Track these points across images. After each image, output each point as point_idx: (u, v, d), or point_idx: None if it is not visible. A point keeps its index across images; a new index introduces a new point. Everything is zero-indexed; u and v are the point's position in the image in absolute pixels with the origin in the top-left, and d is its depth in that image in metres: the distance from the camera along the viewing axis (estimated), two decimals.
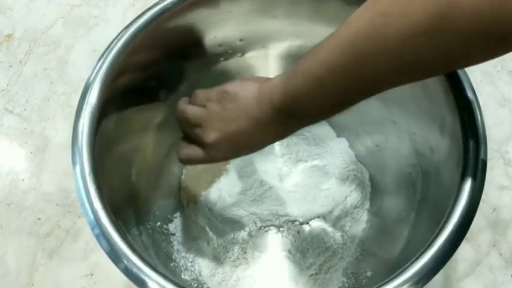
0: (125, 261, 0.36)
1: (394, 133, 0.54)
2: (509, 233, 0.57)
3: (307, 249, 0.56)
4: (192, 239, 0.56)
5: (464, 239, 0.37)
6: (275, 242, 0.57)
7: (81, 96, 0.42)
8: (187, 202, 0.59)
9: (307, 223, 0.57)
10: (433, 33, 0.28)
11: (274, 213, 0.57)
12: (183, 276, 0.52)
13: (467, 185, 0.38)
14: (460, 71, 0.42)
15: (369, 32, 0.30)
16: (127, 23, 0.45)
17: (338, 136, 0.61)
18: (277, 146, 0.61)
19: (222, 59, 0.55)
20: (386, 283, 0.36)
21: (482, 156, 0.40)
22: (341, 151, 0.60)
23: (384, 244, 0.53)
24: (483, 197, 0.39)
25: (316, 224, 0.57)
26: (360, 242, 0.56)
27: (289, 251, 0.56)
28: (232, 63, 0.55)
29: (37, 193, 0.60)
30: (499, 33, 0.27)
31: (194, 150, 0.45)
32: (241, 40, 0.53)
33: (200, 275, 0.54)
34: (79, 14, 0.72)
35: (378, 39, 0.30)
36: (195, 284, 0.53)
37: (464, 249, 0.56)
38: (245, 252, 0.56)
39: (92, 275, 0.55)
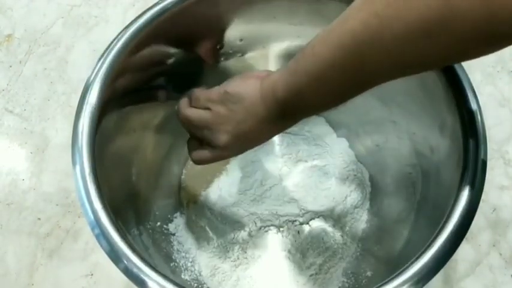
0: (125, 261, 0.36)
1: (394, 133, 0.54)
2: (509, 233, 0.57)
3: (307, 249, 0.56)
4: (192, 239, 0.56)
5: (464, 239, 0.37)
6: (275, 242, 0.57)
7: (81, 96, 0.42)
8: (187, 202, 0.59)
9: (307, 223, 0.57)
10: (430, 34, 0.28)
11: (274, 213, 0.57)
12: (183, 276, 0.52)
13: (467, 185, 0.38)
14: (460, 71, 0.42)
15: (366, 33, 0.31)
16: (127, 23, 0.45)
17: (338, 136, 0.61)
18: (277, 146, 0.61)
19: (222, 59, 0.55)
20: (386, 283, 0.36)
21: (482, 156, 0.40)
22: (341, 151, 0.60)
23: (384, 244, 0.53)
24: (483, 197, 0.39)
25: (316, 224, 0.57)
26: (360, 242, 0.56)
27: (289, 251, 0.56)
28: (232, 63, 0.55)
29: (37, 193, 0.60)
30: (497, 33, 0.27)
31: (206, 153, 0.46)
32: (241, 40, 0.53)
33: (200, 275, 0.54)
34: (79, 14, 0.72)
35: (375, 40, 0.30)
36: (195, 284, 0.53)
37: (464, 249, 0.56)
38: (245, 252, 0.56)
39: (92, 275, 0.55)
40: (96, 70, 0.43)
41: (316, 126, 0.61)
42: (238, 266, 0.55)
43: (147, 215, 0.52)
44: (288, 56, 0.56)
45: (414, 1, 0.28)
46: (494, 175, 0.59)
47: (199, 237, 0.56)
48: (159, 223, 0.54)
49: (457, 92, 0.42)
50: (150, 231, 0.51)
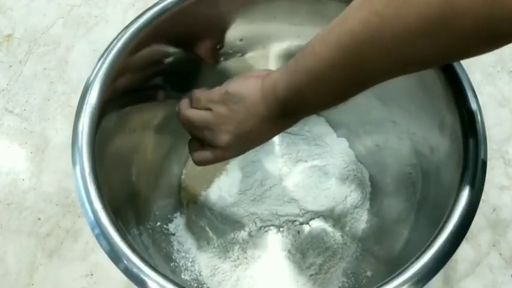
0: (125, 261, 0.36)
1: (394, 133, 0.54)
2: (509, 233, 0.57)
3: (307, 249, 0.56)
4: (192, 239, 0.56)
5: (464, 239, 0.37)
6: (275, 242, 0.57)
7: (81, 96, 0.42)
8: (187, 202, 0.59)
9: (307, 223, 0.57)
10: (430, 32, 0.28)
11: (274, 213, 0.57)
12: (183, 276, 0.52)
13: (467, 185, 0.38)
14: (460, 71, 0.42)
15: (366, 32, 0.31)
16: (127, 23, 0.45)
17: (338, 136, 0.61)
18: (277, 146, 0.61)
19: (222, 59, 0.55)
20: (386, 283, 0.36)
21: (482, 156, 0.40)
22: (341, 151, 0.60)
23: (384, 244, 0.53)
24: (483, 197, 0.39)
25: (316, 224, 0.57)
26: (360, 242, 0.56)
27: (289, 251, 0.56)
28: (232, 63, 0.55)
29: (37, 193, 0.60)
30: (497, 31, 0.27)
31: (207, 153, 0.46)
32: (241, 40, 0.53)
33: (200, 275, 0.54)
34: (79, 14, 0.72)
35: (376, 39, 0.30)
36: (195, 284, 0.53)
37: (464, 249, 0.56)
38: (245, 252, 0.56)
39: (92, 275, 0.55)
40: (96, 70, 0.43)
41: (316, 126, 0.61)
42: (238, 266, 0.55)
43: (147, 215, 0.52)
44: (288, 56, 0.56)
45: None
46: (494, 175, 0.59)
47: (199, 237, 0.56)
48: (159, 223, 0.54)
49: (457, 92, 0.42)
50: (150, 231, 0.51)
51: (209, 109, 0.44)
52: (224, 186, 0.58)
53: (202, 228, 0.57)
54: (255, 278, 0.55)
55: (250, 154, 0.60)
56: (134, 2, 0.72)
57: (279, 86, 0.39)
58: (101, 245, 0.37)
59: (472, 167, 0.39)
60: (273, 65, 0.57)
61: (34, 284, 0.55)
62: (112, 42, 0.44)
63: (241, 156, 0.60)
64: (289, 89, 0.38)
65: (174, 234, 0.55)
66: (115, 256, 0.37)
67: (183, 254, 0.55)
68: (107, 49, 0.44)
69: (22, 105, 0.65)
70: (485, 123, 0.41)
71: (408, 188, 0.51)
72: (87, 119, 0.41)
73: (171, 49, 0.50)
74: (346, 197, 0.57)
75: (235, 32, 0.52)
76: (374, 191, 0.58)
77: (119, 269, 0.37)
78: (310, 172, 0.59)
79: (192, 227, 0.57)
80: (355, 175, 0.59)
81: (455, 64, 0.42)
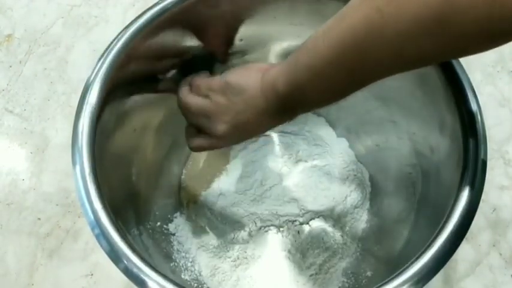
0: (125, 261, 0.36)
1: (394, 133, 0.54)
2: (509, 233, 0.57)
3: (307, 249, 0.56)
4: (192, 239, 0.56)
5: (464, 239, 0.37)
6: (275, 242, 0.57)
7: (81, 96, 0.42)
8: (187, 202, 0.59)
9: (307, 223, 0.57)
10: (432, 30, 0.28)
11: (274, 213, 0.57)
12: (183, 276, 0.52)
13: (467, 185, 0.38)
14: (460, 71, 0.42)
15: (367, 28, 0.31)
16: (127, 23, 0.45)
17: (338, 136, 0.61)
18: (277, 146, 0.61)
19: (222, 59, 0.55)
20: (386, 283, 0.36)
21: (482, 156, 0.40)
22: (341, 151, 0.60)
23: (384, 244, 0.53)
24: (483, 197, 0.39)
25: (316, 224, 0.57)
26: (360, 242, 0.56)
27: (289, 251, 0.56)
28: (232, 63, 0.55)
29: (37, 193, 0.60)
30: (497, 30, 0.27)
31: (203, 140, 0.46)
32: (241, 40, 0.53)
33: (200, 275, 0.54)
34: (79, 14, 0.72)
35: (377, 36, 0.30)
36: (195, 284, 0.53)
37: (464, 249, 0.56)
38: (245, 252, 0.56)
39: (92, 275, 0.55)
40: (96, 70, 0.43)
41: (316, 126, 0.61)
42: (238, 266, 0.55)
43: (147, 215, 0.52)
44: (288, 56, 0.56)
45: None
46: (494, 175, 0.59)
47: (199, 237, 0.56)
48: (159, 223, 0.54)
49: (457, 92, 0.42)
50: (150, 231, 0.51)
51: (208, 97, 0.44)
52: (224, 186, 0.58)
53: (202, 228, 0.57)
54: (255, 278, 0.55)
55: (250, 154, 0.60)
56: (134, 2, 0.72)
57: (279, 81, 0.39)
58: (101, 245, 0.37)
59: (472, 167, 0.39)
60: None
61: (34, 284, 0.55)
62: (112, 42, 0.44)
63: (241, 156, 0.60)
64: (289, 84, 0.38)
65: (174, 234, 0.55)
66: (115, 256, 0.37)
67: (183, 254, 0.55)
68: (107, 49, 0.44)
69: (22, 105, 0.65)
70: (485, 123, 0.41)
71: (408, 188, 0.51)
72: (87, 119, 0.41)
73: (171, 49, 0.50)
74: (346, 197, 0.57)
75: (235, 32, 0.52)
76: (374, 191, 0.58)
77: (119, 269, 0.37)
78: (310, 172, 0.59)
79: (192, 227, 0.57)
80: (355, 175, 0.59)
81: (455, 64, 0.42)
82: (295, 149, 0.60)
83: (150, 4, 0.46)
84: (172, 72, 0.52)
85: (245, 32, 0.53)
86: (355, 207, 0.57)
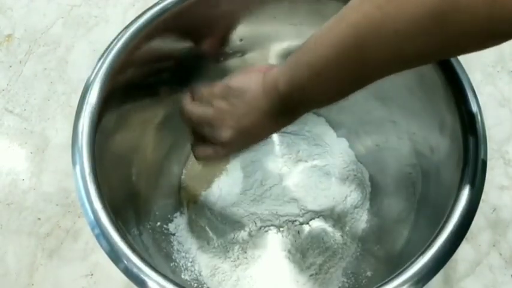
0: (125, 261, 0.36)
1: (394, 133, 0.54)
2: (509, 233, 0.57)
3: (307, 249, 0.56)
4: (192, 239, 0.56)
5: (464, 239, 0.37)
6: (275, 242, 0.57)
7: (81, 96, 0.42)
8: (187, 202, 0.59)
9: (307, 223, 0.57)
10: (432, 28, 0.28)
11: (274, 213, 0.57)
12: (183, 276, 0.52)
13: (467, 185, 0.38)
14: (460, 71, 0.42)
15: (367, 27, 0.31)
16: (127, 23, 0.45)
17: (338, 136, 0.61)
18: (277, 146, 0.61)
19: (222, 59, 0.55)
20: (386, 283, 0.36)
21: (482, 156, 0.40)
22: (341, 151, 0.60)
23: (384, 244, 0.53)
24: (483, 197, 0.39)
25: (316, 224, 0.57)
26: (360, 242, 0.56)
27: (289, 251, 0.56)
28: (232, 63, 0.55)
29: (37, 193, 0.60)
30: (497, 31, 0.27)
31: (209, 150, 0.45)
32: (241, 40, 0.53)
33: (200, 275, 0.54)
34: (79, 14, 0.72)
35: (377, 34, 0.30)
36: (195, 284, 0.53)
37: (464, 249, 0.56)
38: (245, 252, 0.56)
39: (92, 275, 0.55)
40: (96, 70, 0.43)
41: (316, 126, 0.61)
42: (238, 266, 0.55)
43: (147, 215, 0.52)
44: (288, 56, 0.56)
45: None
46: (494, 175, 0.59)
47: (199, 237, 0.56)
48: (159, 223, 0.54)
49: (457, 92, 0.42)
50: (150, 231, 0.51)
51: (210, 104, 0.44)
52: (224, 186, 0.58)
53: (202, 228, 0.57)
54: (255, 278, 0.55)
55: (250, 154, 0.60)
56: (134, 2, 0.72)
57: (280, 81, 0.39)
58: (101, 245, 0.37)
59: (472, 167, 0.39)
60: None
61: (34, 284, 0.55)
62: (112, 42, 0.44)
63: (241, 156, 0.60)
64: (291, 84, 0.38)
65: (174, 234, 0.55)
66: (115, 256, 0.37)
67: (183, 254, 0.55)
68: (107, 49, 0.44)
69: (22, 105, 0.65)
70: (485, 123, 0.41)
71: (408, 188, 0.51)
72: (87, 119, 0.41)
73: (171, 49, 0.50)
74: (346, 197, 0.57)
75: (235, 32, 0.52)
76: (374, 191, 0.58)
77: (119, 269, 0.37)
78: (310, 172, 0.59)
79: (192, 227, 0.57)
80: (355, 175, 0.59)
81: (455, 64, 0.42)
82: (295, 149, 0.60)
83: (150, 4, 0.46)
84: (172, 72, 0.52)
85: (245, 32, 0.53)
86: (355, 207, 0.57)
